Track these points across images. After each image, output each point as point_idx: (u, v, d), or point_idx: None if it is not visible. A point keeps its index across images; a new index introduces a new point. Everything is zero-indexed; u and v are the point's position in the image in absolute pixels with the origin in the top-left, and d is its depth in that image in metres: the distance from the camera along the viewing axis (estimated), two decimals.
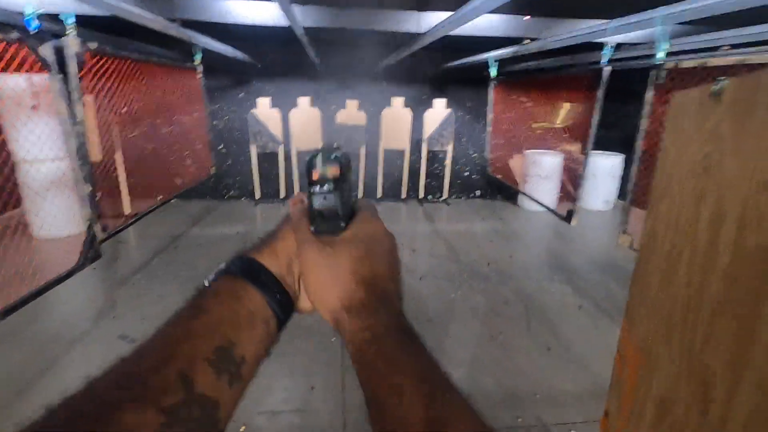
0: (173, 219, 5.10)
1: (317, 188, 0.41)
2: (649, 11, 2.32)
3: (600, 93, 2.77)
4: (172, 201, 5.16)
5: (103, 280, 3.46)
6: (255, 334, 0.38)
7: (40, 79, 3.76)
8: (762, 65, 1.91)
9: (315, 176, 0.41)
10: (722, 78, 0.49)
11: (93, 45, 2.35)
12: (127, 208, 3.69)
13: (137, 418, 0.27)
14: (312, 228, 0.42)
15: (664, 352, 0.57)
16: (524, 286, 3.49)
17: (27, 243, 3.69)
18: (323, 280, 0.40)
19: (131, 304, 3.05)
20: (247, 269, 0.40)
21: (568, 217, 2.95)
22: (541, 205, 3.59)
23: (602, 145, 6.26)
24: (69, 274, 2.06)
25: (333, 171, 0.41)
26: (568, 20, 4.55)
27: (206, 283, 0.40)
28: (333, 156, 0.41)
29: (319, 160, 0.41)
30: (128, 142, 3.34)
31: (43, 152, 3.73)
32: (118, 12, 2.57)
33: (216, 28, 4.93)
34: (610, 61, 2.80)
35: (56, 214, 3.77)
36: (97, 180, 2.82)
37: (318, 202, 0.41)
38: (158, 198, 3.32)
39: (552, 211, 3.35)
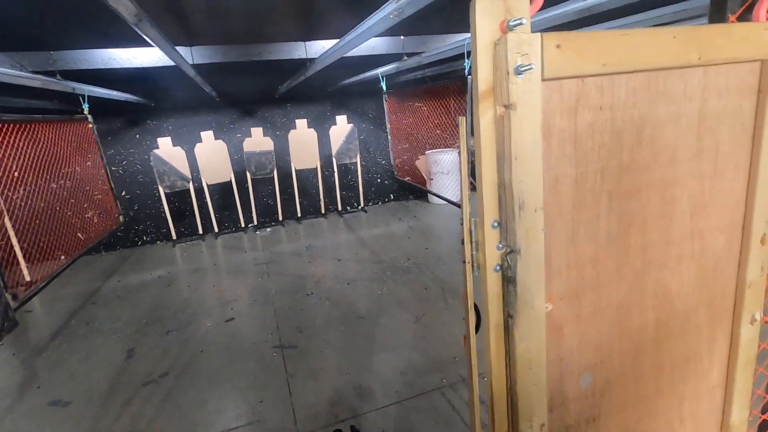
0: (84, 276, 4.83)
1: None
2: None
3: (468, 97, 3.29)
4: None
5: (15, 355, 3.24)
6: None
7: None
8: None
9: None
10: None
11: None
12: (26, 275, 3.46)
13: None
14: None
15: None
16: (440, 272, 3.94)
17: None
18: None
19: (56, 370, 2.93)
20: None
21: None
22: (444, 199, 4.08)
23: None
24: None
25: None
26: (439, 36, 5.18)
27: None
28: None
29: None
30: (15, 205, 3.15)
31: None
32: None
33: (99, 73, 4.80)
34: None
35: None
36: None
37: None
38: (62, 258, 3.20)
39: (453, 203, 3.84)
